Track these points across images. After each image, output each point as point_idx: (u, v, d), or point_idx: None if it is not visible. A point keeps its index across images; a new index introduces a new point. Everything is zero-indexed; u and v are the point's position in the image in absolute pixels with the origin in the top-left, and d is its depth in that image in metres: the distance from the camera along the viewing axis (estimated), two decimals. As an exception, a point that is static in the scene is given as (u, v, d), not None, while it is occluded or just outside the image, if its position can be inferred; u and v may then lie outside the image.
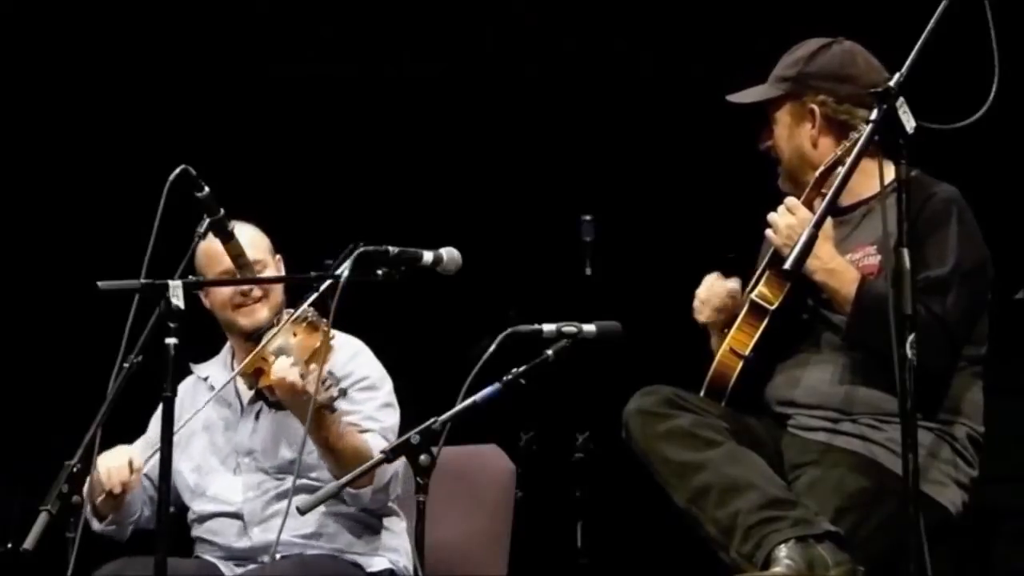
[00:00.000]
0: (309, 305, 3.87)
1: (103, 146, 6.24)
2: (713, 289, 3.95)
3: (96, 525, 4.13)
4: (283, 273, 4.27)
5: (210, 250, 4.09)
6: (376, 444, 3.99)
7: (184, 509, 4.27)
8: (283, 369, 3.91)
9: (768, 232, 3.80)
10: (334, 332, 4.11)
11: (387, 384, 4.23)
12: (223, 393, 4.24)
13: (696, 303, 3.97)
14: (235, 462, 4.21)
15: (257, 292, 4.18)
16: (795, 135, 3.89)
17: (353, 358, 4.21)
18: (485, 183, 6.25)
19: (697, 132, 6.00)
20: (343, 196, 6.18)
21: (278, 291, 4.22)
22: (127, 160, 6.08)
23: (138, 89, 6.24)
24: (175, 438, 4.19)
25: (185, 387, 4.33)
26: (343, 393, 3.89)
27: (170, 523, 3.62)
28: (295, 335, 4.02)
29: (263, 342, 4.04)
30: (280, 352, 3.96)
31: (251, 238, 4.21)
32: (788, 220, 3.75)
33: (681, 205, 6.12)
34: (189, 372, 4.36)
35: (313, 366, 3.86)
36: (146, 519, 4.22)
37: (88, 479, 4.04)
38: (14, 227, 6.21)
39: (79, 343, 5.76)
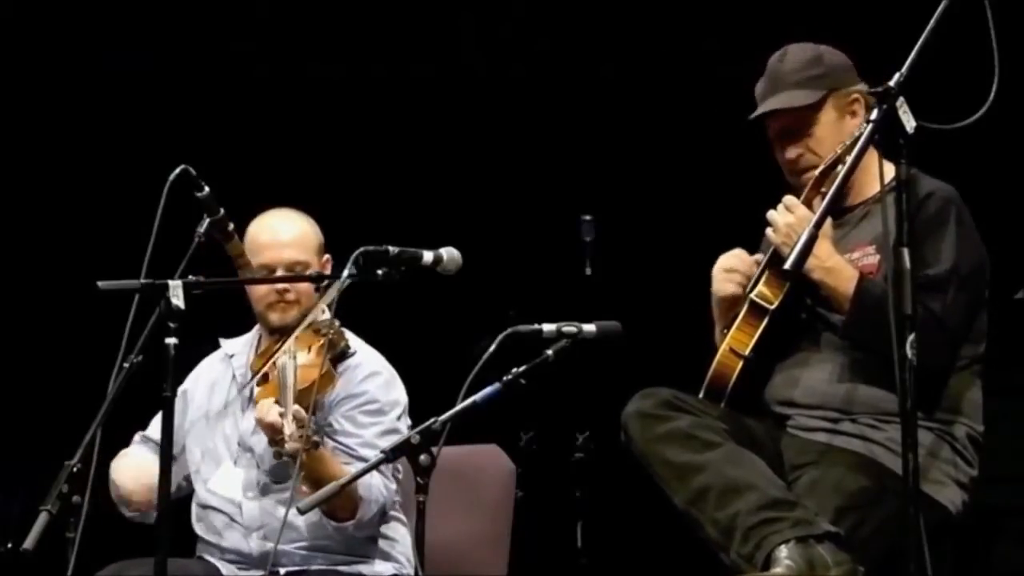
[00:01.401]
0: (326, 306, 3.85)
1: (103, 146, 6.24)
2: (740, 257, 3.93)
3: (127, 512, 4.18)
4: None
5: (255, 241, 4.12)
6: (363, 478, 3.95)
7: (191, 489, 4.28)
8: (264, 412, 3.92)
9: (768, 231, 3.80)
10: (355, 347, 4.13)
11: (396, 409, 4.18)
12: (241, 375, 4.26)
13: (721, 274, 3.93)
14: (236, 453, 4.21)
15: (292, 295, 4.17)
16: (841, 130, 3.83)
17: (368, 379, 4.17)
18: (485, 183, 6.25)
19: (697, 132, 6.00)
20: (343, 196, 6.18)
21: (312, 294, 4.20)
22: (127, 160, 6.08)
23: (138, 89, 6.24)
24: (193, 411, 4.26)
25: (212, 362, 4.35)
26: (316, 446, 3.86)
27: (171, 523, 3.61)
28: (308, 349, 4.02)
29: (278, 346, 4.05)
30: (283, 372, 3.97)
31: (299, 236, 4.20)
32: (787, 219, 3.75)
33: (681, 205, 6.13)
34: (192, 368, 4.37)
35: (298, 408, 3.85)
36: (177, 492, 4.22)
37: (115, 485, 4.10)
38: (14, 227, 6.21)
39: (79, 343, 5.76)
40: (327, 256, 4.25)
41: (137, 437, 4.34)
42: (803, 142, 3.87)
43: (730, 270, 3.93)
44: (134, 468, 4.17)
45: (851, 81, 3.87)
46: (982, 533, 5.23)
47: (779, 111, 3.87)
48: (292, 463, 3.83)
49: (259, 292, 4.20)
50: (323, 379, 3.99)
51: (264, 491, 4.15)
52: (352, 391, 4.14)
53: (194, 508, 4.26)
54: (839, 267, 3.70)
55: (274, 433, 3.88)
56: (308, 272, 4.17)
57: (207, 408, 4.28)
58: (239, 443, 4.21)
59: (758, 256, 3.95)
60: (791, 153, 3.88)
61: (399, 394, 4.22)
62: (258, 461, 4.17)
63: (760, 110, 3.89)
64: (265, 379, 4.11)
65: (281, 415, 3.86)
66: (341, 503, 3.97)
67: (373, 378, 4.18)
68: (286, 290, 4.16)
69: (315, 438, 3.85)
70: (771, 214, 3.78)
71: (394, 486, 4.11)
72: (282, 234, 4.16)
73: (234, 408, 4.24)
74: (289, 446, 3.80)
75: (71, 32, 6.21)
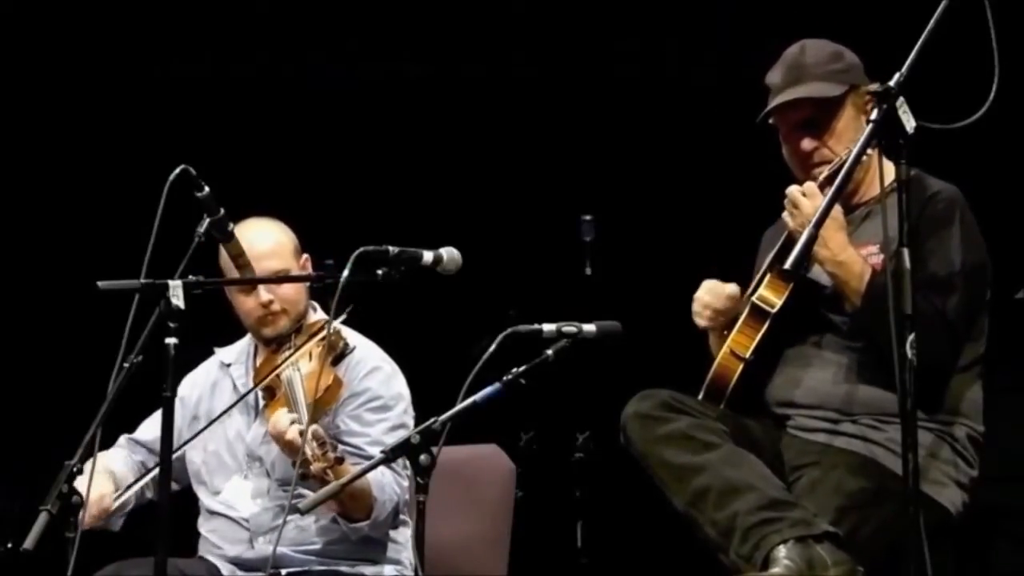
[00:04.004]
0: (334, 318, 3.82)
1: (103, 146, 6.24)
2: (714, 292, 3.93)
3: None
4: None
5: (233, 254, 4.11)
6: (376, 477, 3.97)
7: (187, 489, 4.27)
8: (280, 426, 3.92)
9: (785, 215, 3.77)
10: (354, 343, 4.12)
11: (400, 404, 4.19)
12: (242, 384, 4.26)
13: (697, 307, 3.95)
14: (245, 465, 4.20)
15: (277, 306, 4.17)
16: (858, 128, 3.80)
17: (369, 375, 4.18)
18: (485, 183, 6.25)
19: (697, 132, 6.00)
20: (344, 196, 6.18)
21: (299, 300, 4.20)
22: (127, 160, 6.08)
23: (138, 89, 6.24)
24: (189, 415, 4.25)
25: (209, 370, 4.35)
26: (340, 461, 3.84)
27: (170, 523, 3.61)
28: (309, 356, 4.02)
29: (281, 359, 4.05)
30: (291, 387, 3.96)
31: (275, 245, 4.20)
32: (812, 203, 3.70)
33: (681, 205, 6.13)
34: (192, 368, 4.37)
35: (315, 427, 3.84)
36: (146, 500, 4.22)
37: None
38: (14, 227, 6.21)
39: (79, 343, 5.76)
40: (305, 256, 4.25)
41: (122, 440, 4.33)
42: (821, 135, 3.84)
43: (705, 305, 3.93)
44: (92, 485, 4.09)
45: (866, 80, 3.86)
46: (982, 533, 5.23)
47: (803, 101, 3.83)
48: (318, 483, 3.81)
49: (246, 309, 4.20)
50: (332, 389, 4.00)
51: (274, 500, 4.15)
52: (355, 389, 4.14)
53: (201, 512, 4.26)
54: (851, 261, 3.69)
55: (294, 452, 3.86)
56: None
57: (208, 407, 4.28)
58: (247, 454, 4.21)
59: (731, 287, 3.93)
60: (807, 145, 3.85)
61: (401, 387, 4.22)
62: (268, 469, 4.17)
63: (783, 98, 3.84)
64: (271, 394, 4.10)
65: (301, 434, 3.84)
66: (356, 504, 3.98)
67: (374, 374, 4.19)
68: (271, 302, 4.16)
69: (337, 454, 3.84)
70: (793, 192, 3.76)
71: (406, 483, 4.12)
72: (258, 246, 4.14)
73: (237, 419, 4.23)
74: (316, 467, 3.79)
75: (70, 32, 6.21)
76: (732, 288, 3.94)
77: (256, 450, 4.19)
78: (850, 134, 3.80)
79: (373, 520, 4.03)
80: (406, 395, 4.21)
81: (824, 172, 3.77)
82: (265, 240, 4.18)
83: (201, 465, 4.25)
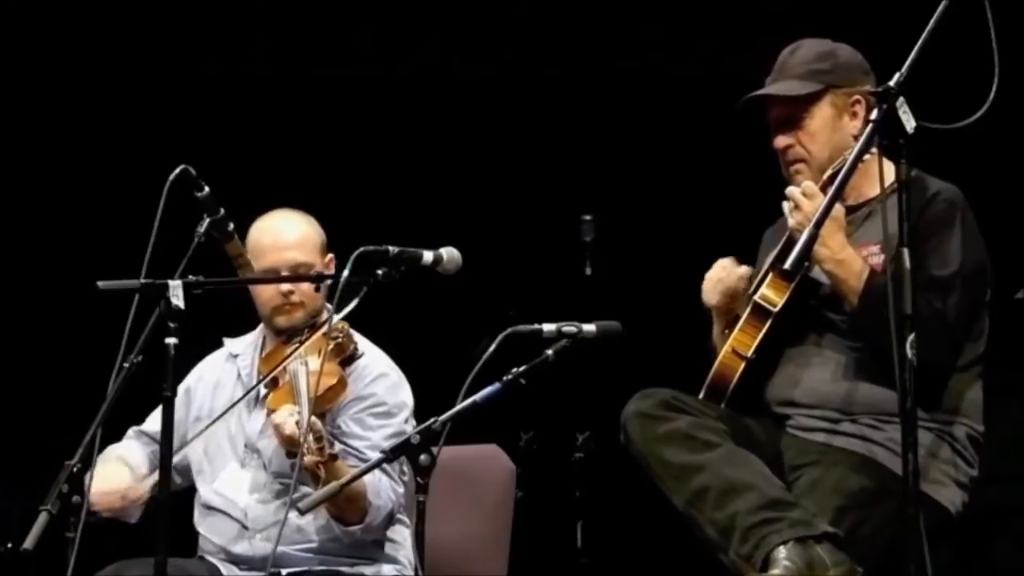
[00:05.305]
0: (343, 317, 3.82)
1: (103, 146, 6.25)
2: (728, 269, 3.94)
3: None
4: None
5: (258, 244, 4.13)
6: (372, 481, 3.97)
7: (191, 484, 4.27)
8: (280, 416, 3.93)
9: (785, 206, 3.77)
10: (363, 349, 4.12)
11: (403, 412, 4.18)
12: (246, 375, 4.26)
13: (707, 284, 3.95)
14: (243, 455, 4.21)
15: (296, 297, 4.17)
16: (838, 128, 3.84)
17: (376, 380, 4.18)
18: (485, 183, 6.26)
19: (697, 132, 6.01)
20: (343, 196, 6.18)
21: (317, 295, 4.20)
22: (127, 160, 6.09)
23: (138, 89, 6.25)
24: (194, 410, 4.25)
25: (216, 360, 4.35)
26: (333, 458, 3.85)
27: (170, 523, 3.61)
28: (318, 354, 4.02)
29: (288, 352, 4.05)
30: (296, 380, 3.96)
31: (301, 237, 4.19)
32: (815, 203, 3.71)
33: (681, 205, 6.13)
34: (192, 365, 4.37)
35: (315, 419, 3.85)
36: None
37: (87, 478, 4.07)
38: (14, 227, 6.22)
39: (79, 343, 5.76)
40: (330, 255, 4.24)
41: (131, 432, 4.34)
42: (794, 133, 3.86)
43: (716, 281, 3.94)
44: (101, 477, 4.03)
45: (858, 81, 3.85)
46: (982, 533, 5.23)
47: (779, 99, 3.87)
48: (309, 476, 3.81)
49: (264, 296, 4.20)
50: (336, 387, 4.00)
51: (271, 493, 4.15)
52: (360, 393, 4.14)
53: (197, 507, 4.26)
54: (850, 260, 3.69)
55: (292, 445, 3.87)
56: (311, 272, 4.18)
57: (211, 406, 4.28)
58: (246, 445, 4.21)
59: (745, 268, 3.95)
60: (781, 142, 3.88)
61: (406, 396, 4.22)
62: (266, 463, 4.17)
63: (753, 93, 3.89)
64: (274, 383, 4.10)
65: (298, 424, 3.85)
66: (350, 507, 3.98)
67: (381, 380, 4.19)
68: (291, 292, 4.16)
69: (333, 451, 3.84)
70: (794, 192, 3.76)
71: (402, 489, 4.12)
72: (284, 236, 4.16)
73: (239, 408, 4.23)
74: (308, 459, 3.79)
75: (70, 32, 6.21)
76: (745, 269, 3.94)
77: (255, 442, 4.19)
78: (827, 134, 3.83)
79: (366, 525, 4.03)
80: (410, 404, 4.21)
81: (801, 168, 3.79)
82: (291, 231, 4.19)
83: (203, 457, 4.25)
